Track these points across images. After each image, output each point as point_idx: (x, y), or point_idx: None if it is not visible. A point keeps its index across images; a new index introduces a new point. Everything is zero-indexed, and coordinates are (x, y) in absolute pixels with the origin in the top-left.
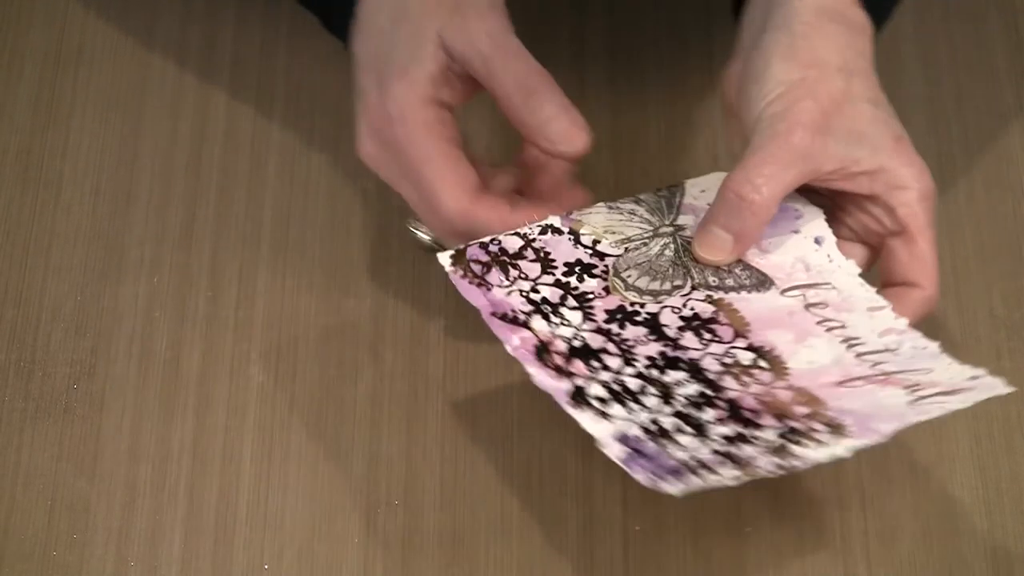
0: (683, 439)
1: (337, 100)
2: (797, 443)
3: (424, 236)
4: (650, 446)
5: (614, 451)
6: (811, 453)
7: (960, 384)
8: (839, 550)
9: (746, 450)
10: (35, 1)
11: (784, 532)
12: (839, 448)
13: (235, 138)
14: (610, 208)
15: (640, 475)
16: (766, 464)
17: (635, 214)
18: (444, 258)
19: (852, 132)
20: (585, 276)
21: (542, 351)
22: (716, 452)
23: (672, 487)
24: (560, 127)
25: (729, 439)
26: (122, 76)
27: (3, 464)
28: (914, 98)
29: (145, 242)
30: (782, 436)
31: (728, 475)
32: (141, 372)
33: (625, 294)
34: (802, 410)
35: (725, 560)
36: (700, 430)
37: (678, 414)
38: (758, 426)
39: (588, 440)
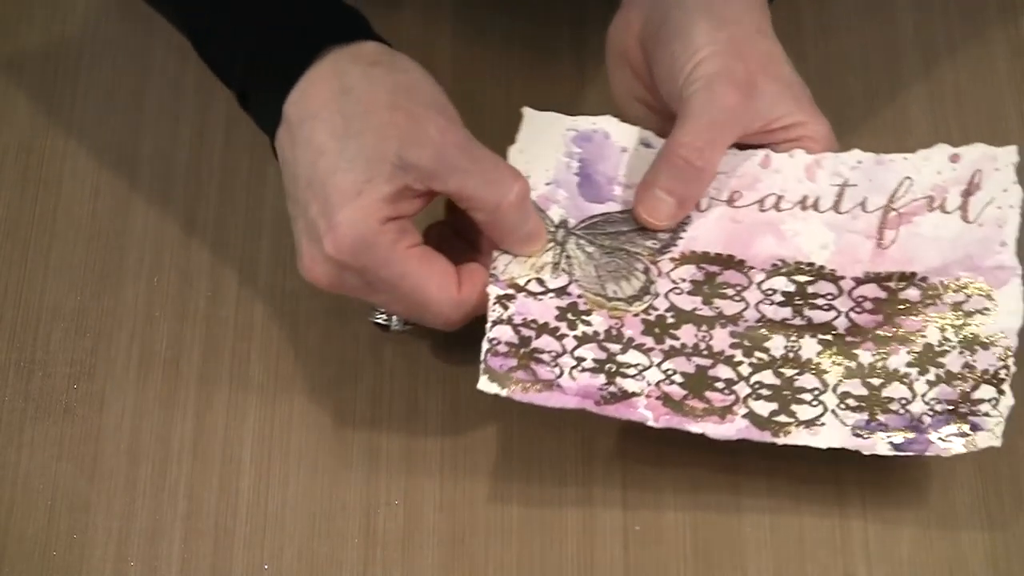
0: (892, 391)
1: None
2: (974, 317)
3: (387, 322)
4: (891, 420)
5: (879, 449)
6: (994, 321)
7: (967, 167)
8: (839, 550)
9: (951, 360)
10: (35, 1)
11: (784, 532)
12: (1004, 296)
13: (235, 138)
14: (504, 251)
15: (940, 451)
16: (987, 359)
17: None
18: (489, 386)
19: (776, 91)
20: (583, 317)
21: (674, 404)
22: (935, 381)
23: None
24: (533, 229)
25: (911, 364)
26: (122, 76)
27: (3, 464)
28: (914, 98)
29: (145, 242)
30: (949, 332)
31: (994, 394)
32: (141, 372)
33: (632, 309)
34: (913, 293)
35: (725, 560)
36: (886, 373)
37: (842, 373)
38: (914, 335)
39: (588, 440)
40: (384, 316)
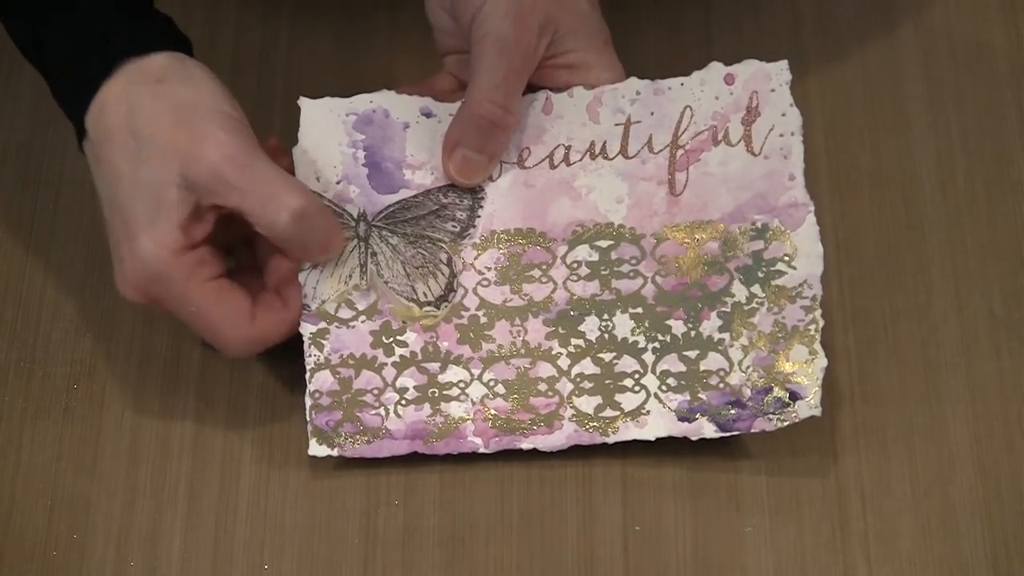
0: (709, 363)
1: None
2: (774, 275)
3: None
4: (713, 397)
5: (706, 432)
6: (796, 270)
7: (743, 89)
8: (839, 550)
9: (760, 319)
10: None
11: (784, 532)
12: (801, 238)
13: None
14: (310, 267)
15: (765, 424)
16: (795, 314)
17: None
18: (319, 450)
19: (569, 25)
20: (398, 337)
21: (502, 423)
22: (749, 346)
23: (805, 407)
24: (322, 238)
25: (723, 328)
26: None
27: (3, 464)
28: (914, 98)
29: None
30: (749, 282)
31: (807, 355)
32: (141, 372)
33: (441, 313)
34: (713, 247)
35: (725, 560)
36: (700, 342)
37: (658, 349)
38: (721, 295)
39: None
40: None
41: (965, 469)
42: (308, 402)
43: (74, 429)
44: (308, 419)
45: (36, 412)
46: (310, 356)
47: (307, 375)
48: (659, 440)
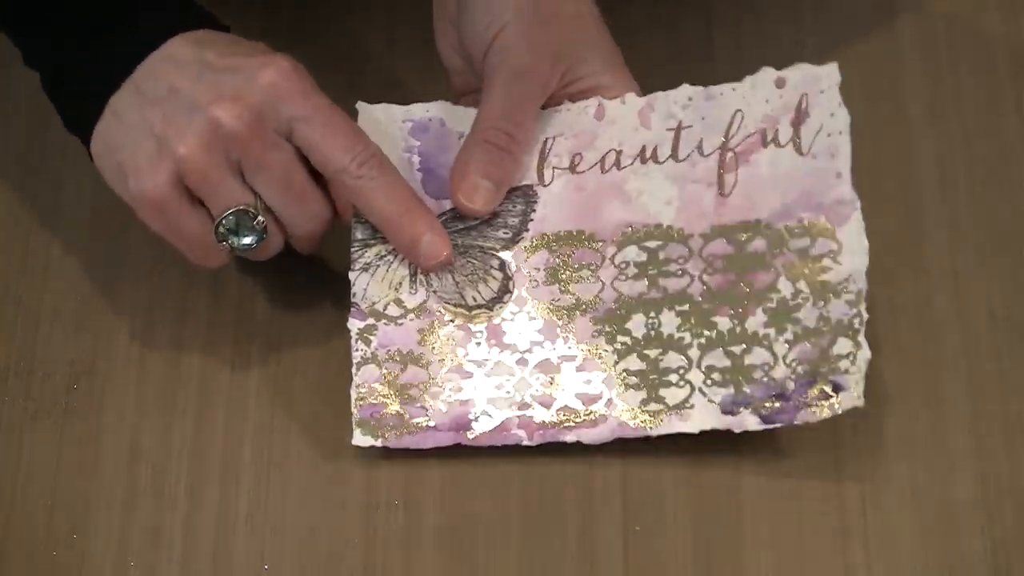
0: (754, 358)
1: (336, 100)
2: (820, 271)
3: (254, 212)
4: (757, 391)
5: (749, 424)
6: (841, 265)
7: (793, 92)
8: (839, 550)
9: (805, 314)
10: None
11: (784, 532)
12: (847, 234)
13: None
14: (360, 270)
15: (808, 416)
16: (839, 309)
17: (380, 255)
18: (363, 440)
19: (582, 52)
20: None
21: (548, 417)
22: (793, 340)
23: (847, 394)
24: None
25: (768, 324)
26: None
27: (3, 464)
28: (914, 98)
29: (145, 241)
30: (795, 278)
31: (851, 348)
32: (141, 372)
33: (494, 314)
34: (760, 244)
35: (725, 560)
36: (745, 337)
37: (703, 344)
38: (767, 292)
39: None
40: (243, 212)
41: (965, 469)
42: (353, 394)
43: (74, 429)
44: (353, 410)
45: (36, 412)
46: (356, 351)
47: (353, 368)
48: (659, 440)
